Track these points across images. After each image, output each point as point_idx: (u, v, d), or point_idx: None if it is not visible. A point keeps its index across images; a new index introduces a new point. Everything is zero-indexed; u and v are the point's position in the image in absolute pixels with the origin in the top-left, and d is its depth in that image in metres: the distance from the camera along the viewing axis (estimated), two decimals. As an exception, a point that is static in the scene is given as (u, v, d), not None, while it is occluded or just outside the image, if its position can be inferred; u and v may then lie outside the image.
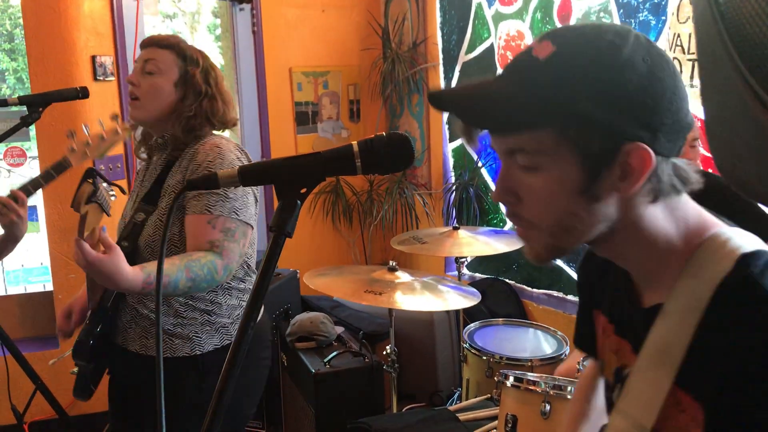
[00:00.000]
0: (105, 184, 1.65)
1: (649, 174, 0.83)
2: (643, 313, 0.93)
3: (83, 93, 1.99)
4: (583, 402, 1.33)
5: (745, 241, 0.86)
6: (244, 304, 1.95)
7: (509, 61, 0.90)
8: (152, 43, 1.93)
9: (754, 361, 0.77)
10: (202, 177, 0.91)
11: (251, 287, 1.98)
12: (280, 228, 0.89)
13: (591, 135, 0.81)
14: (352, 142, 0.91)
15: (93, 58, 3.42)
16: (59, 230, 3.47)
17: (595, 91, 0.81)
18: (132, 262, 1.71)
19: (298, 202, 0.91)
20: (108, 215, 1.81)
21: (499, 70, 0.91)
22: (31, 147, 3.92)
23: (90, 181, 1.60)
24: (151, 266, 1.70)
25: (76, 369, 1.92)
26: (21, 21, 3.34)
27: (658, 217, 0.87)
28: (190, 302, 1.86)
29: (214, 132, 1.98)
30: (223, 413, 0.86)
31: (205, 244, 1.78)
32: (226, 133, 1.93)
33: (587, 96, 0.80)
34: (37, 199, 3.79)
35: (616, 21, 3.06)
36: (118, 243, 1.87)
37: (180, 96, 1.90)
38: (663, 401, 0.86)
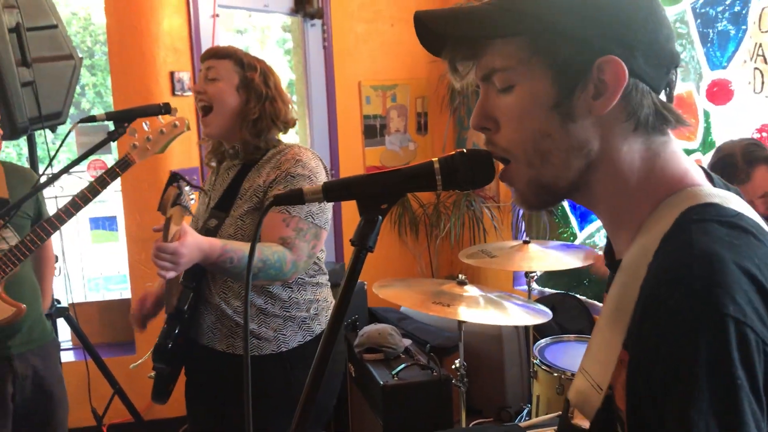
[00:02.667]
0: (188, 188, 1.74)
1: (623, 91, 0.80)
2: (612, 268, 0.90)
3: (166, 108, 2.06)
4: None
5: (709, 192, 0.81)
6: (320, 297, 2.04)
7: None
8: (210, 55, 2.05)
9: (664, 308, 0.71)
10: (288, 193, 0.94)
11: (322, 281, 2.07)
12: (362, 242, 0.91)
13: (562, 46, 0.80)
14: (433, 159, 0.92)
15: (171, 73, 3.54)
16: (137, 240, 3.59)
17: (565, 1, 0.81)
18: None
19: (379, 217, 0.93)
20: (192, 215, 1.89)
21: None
22: (113, 160, 4.09)
23: (175, 185, 1.69)
24: (230, 241, 1.82)
25: (153, 373, 1.98)
26: (101, 38, 3.50)
27: (635, 150, 0.83)
28: (270, 301, 1.94)
29: (282, 137, 2.06)
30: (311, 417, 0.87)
31: (276, 240, 1.86)
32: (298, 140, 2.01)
33: (557, 5, 0.81)
34: (116, 210, 3.94)
35: (694, 31, 2.99)
36: None
37: (243, 100, 1.99)
38: (616, 362, 0.81)
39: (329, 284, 2.14)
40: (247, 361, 0.98)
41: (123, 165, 2.14)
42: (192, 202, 1.82)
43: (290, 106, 2.09)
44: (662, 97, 0.85)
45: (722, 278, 0.69)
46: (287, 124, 2.07)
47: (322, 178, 1.95)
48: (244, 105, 1.99)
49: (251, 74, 2.00)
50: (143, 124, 2.14)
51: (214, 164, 2.15)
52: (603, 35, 0.80)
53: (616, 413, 0.83)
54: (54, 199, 3.79)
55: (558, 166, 0.84)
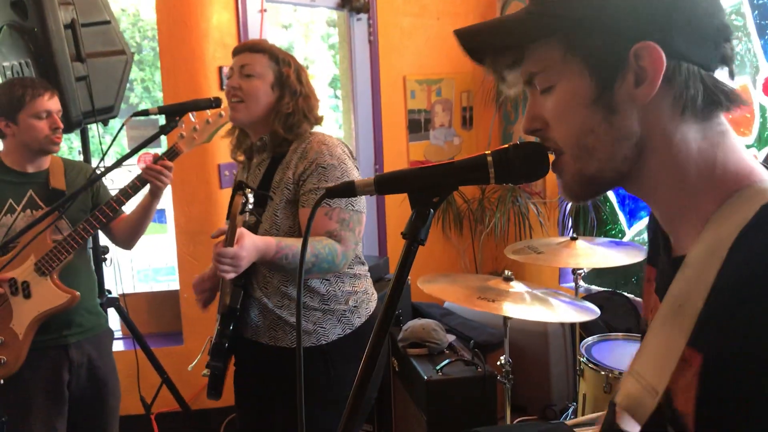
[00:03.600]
0: (251, 195, 1.78)
1: (665, 75, 0.78)
2: (671, 265, 0.86)
3: (216, 103, 2.10)
4: None
5: None
6: (359, 289, 2.05)
7: None
8: (245, 48, 2.05)
9: (760, 312, 0.67)
10: (340, 186, 0.94)
11: (360, 273, 2.08)
12: (413, 236, 0.91)
13: (594, 40, 0.80)
14: (486, 152, 0.91)
15: (220, 68, 3.59)
16: (186, 232, 3.65)
17: None
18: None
19: (431, 210, 0.92)
20: (261, 222, 1.94)
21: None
22: (161, 152, 4.16)
23: (241, 193, 1.74)
24: (282, 238, 1.85)
25: (206, 371, 2.01)
26: (149, 34, 3.56)
27: (690, 139, 0.81)
28: (308, 295, 1.96)
29: (322, 130, 2.08)
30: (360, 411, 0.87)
31: (323, 234, 1.88)
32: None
33: (584, 1, 0.81)
34: (165, 203, 4.01)
35: (750, 23, 2.90)
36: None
37: (277, 96, 2.01)
38: (677, 362, 0.77)
39: (368, 275, 2.14)
40: (299, 361, 0.99)
41: (171, 154, 2.22)
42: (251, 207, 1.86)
43: (319, 103, 2.11)
44: (723, 74, 0.82)
45: None
46: (318, 120, 2.09)
47: (350, 164, 1.97)
48: (277, 101, 2.01)
49: (286, 70, 2.02)
50: (190, 115, 2.18)
51: (241, 158, 2.17)
52: (634, 22, 0.79)
53: (673, 416, 0.80)
54: (105, 192, 3.87)
55: (603, 159, 0.83)
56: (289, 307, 1.96)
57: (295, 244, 1.83)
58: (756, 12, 2.85)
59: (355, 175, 1.96)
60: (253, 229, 1.98)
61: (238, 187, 1.77)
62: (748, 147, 3.02)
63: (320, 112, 2.12)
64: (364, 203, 1.98)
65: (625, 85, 0.80)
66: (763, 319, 0.68)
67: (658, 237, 1.00)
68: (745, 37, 2.95)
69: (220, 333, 1.98)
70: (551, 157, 0.91)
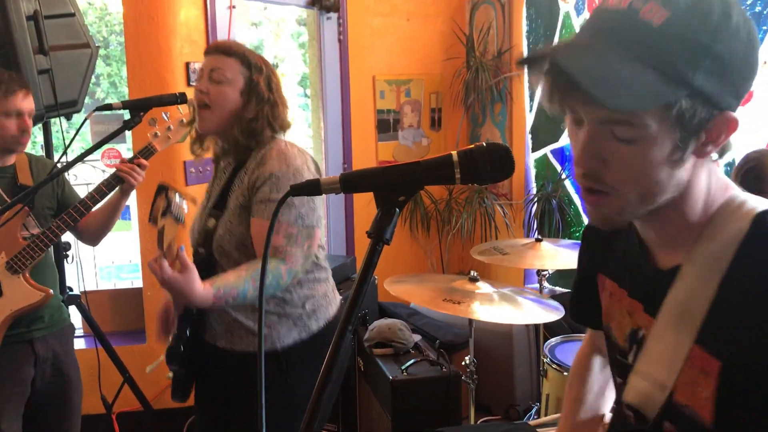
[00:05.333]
0: (177, 196, 1.70)
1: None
2: (661, 275, 0.94)
3: (181, 98, 2.07)
4: (579, 385, 1.36)
5: (758, 202, 0.89)
6: (317, 293, 1.99)
7: (600, 15, 0.85)
8: (218, 51, 1.96)
9: None
10: (304, 183, 0.93)
11: (320, 277, 2.02)
12: (378, 235, 0.90)
13: (697, 108, 0.81)
14: (452, 152, 0.91)
15: (187, 64, 3.54)
16: (150, 229, 3.60)
17: (709, 61, 0.79)
18: (208, 266, 1.78)
19: (397, 210, 0.92)
20: (183, 225, 1.86)
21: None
22: (127, 149, 4.10)
23: (163, 195, 1.66)
24: (220, 281, 1.74)
25: (170, 374, 1.98)
26: (116, 28, 3.50)
27: (702, 177, 0.89)
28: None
29: (276, 136, 2.00)
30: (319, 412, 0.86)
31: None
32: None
33: (702, 68, 0.79)
34: (130, 199, 3.95)
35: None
36: (195, 250, 1.96)
37: (244, 102, 1.94)
38: (683, 361, 0.87)
39: (329, 279, 2.08)
40: (260, 375, 0.98)
41: (146, 153, 2.19)
42: (185, 210, 1.78)
43: (287, 109, 2.03)
44: None
45: None
46: (283, 127, 2.01)
47: (306, 175, 1.90)
48: (243, 106, 1.94)
49: (257, 77, 1.94)
50: (163, 114, 2.15)
51: (199, 152, 2.10)
52: (730, 92, 0.82)
53: (671, 409, 0.90)
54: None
55: (654, 203, 0.88)
56: (245, 310, 1.91)
57: (235, 285, 1.74)
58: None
59: None
60: (211, 231, 1.94)
61: (160, 190, 1.67)
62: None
63: (290, 118, 2.04)
64: (318, 217, 1.91)
65: (697, 143, 0.84)
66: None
67: (613, 249, 1.08)
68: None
69: (177, 337, 1.94)
70: (517, 159, 0.93)
